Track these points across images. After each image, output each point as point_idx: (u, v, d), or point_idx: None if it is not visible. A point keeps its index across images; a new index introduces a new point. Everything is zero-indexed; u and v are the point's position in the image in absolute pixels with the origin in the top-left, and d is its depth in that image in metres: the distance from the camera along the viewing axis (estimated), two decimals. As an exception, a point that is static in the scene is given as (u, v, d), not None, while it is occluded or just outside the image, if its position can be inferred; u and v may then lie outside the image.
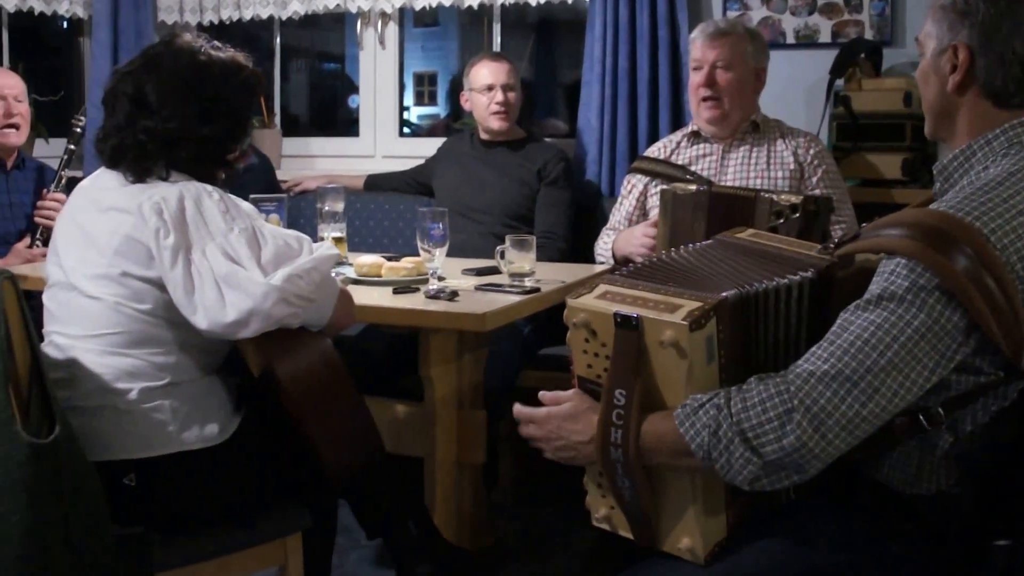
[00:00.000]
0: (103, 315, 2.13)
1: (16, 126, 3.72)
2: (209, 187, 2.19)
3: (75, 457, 1.90)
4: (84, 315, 2.16)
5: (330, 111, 6.00)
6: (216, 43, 2.34)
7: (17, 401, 1.86)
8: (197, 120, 2.23)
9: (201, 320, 2.09)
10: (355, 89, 5.01)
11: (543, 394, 1.85)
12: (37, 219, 3.63)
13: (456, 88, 5.32)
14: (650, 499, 1.71)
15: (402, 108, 5.01)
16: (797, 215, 2.70)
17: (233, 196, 2.22)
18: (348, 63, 5.50)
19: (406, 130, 5.15)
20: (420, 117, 6.01)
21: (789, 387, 1.55)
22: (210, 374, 2.26)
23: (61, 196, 3.61)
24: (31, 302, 2.05)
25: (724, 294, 1.67)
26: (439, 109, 5.95)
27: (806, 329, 1.75)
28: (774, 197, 2.75)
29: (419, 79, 5.87)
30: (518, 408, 1.87)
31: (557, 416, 1.79)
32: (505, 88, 3.94)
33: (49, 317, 2.25)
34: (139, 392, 2.11)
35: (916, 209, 1.67)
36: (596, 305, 1.70)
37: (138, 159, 2.19)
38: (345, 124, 5.50)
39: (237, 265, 2.09)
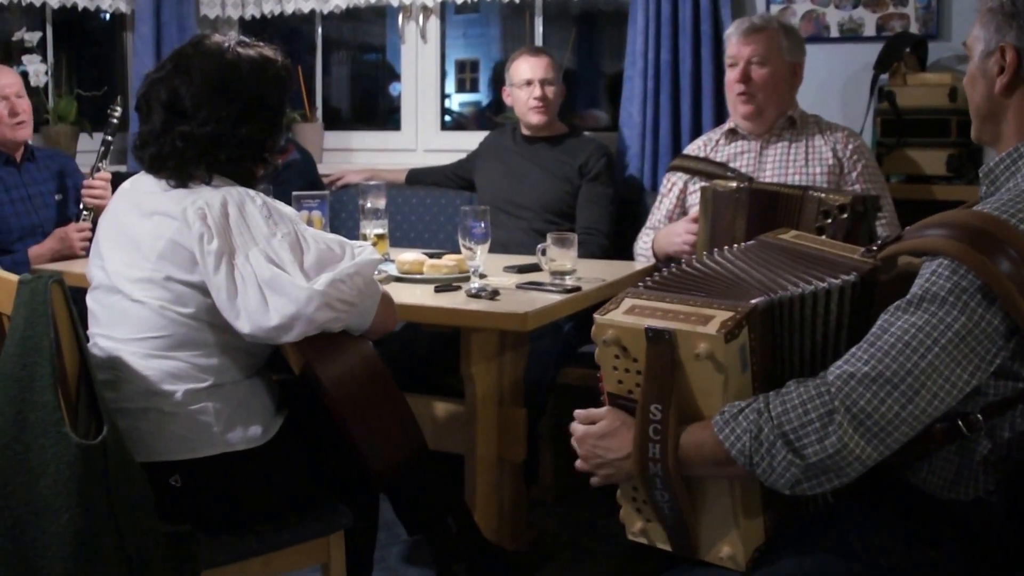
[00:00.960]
0: (147, 319, 2.15)
1: (22, 122, 3.73)
2: (252, 192, 2.20)
3: (122, 457, 1.93)
4: (128, 318, 2.18)
5: (372, 103, 6.01)
6: (244, 39, 2.34)
7: (66, 403, 1.90)
8: (233, 121, 2.23)
9: (244, 324, 2.10)
10: (396, 80, 5.02)
11: (577, 413, 1.85)
12: (86, 200, 3.65)
13: (497, 75, 5.32)
14: (690, 510, 1.71)
15: (443, 96, 5.01)
16: (845, 215, 2.67)
17: (275, 200, 2.23)
18: (389, 54, 5.51)
19: (447, 118, 5.15)
20: (461, 104, 6.02)
21: (830, 388, 1.55)
22: (252, 376, 2.28)
23: (107, 175, 3.65)
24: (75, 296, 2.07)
25: (753, 301, 1.66)
26: (481, 96, 5.95)
27: (846, 332, 1.74)
28: (822, 196, 2.73)
29: (460, 66, 5.87)
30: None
31: (592, 435, 1.79)
32: (544, 83, 3.93)
33: (93, 319, 2.27)
34: (183, 394, 2.14)
35: (960, 210, 1.66)
36: (625, 321, 1.69)
37: (179, 165, 2.20)
38: (387, 114, 5.51)
39: (280, 270, 2.10)
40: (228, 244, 2.11)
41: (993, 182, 1.70)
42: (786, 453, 1.56)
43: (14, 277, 2.00)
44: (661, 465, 1.66)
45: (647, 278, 1.86)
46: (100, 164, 3.71)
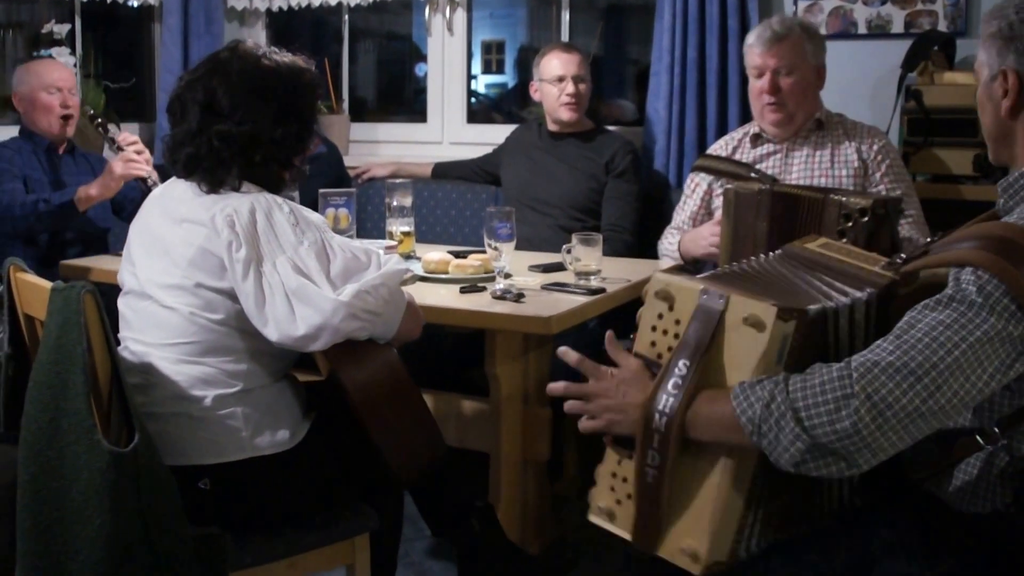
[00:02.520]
0: (178, 325, 2.18)
1: (70, 116, 3.94)
2: (279, 199, 2.23)
3: (153, 463, 1.97)
4: (159, 324, 2.21)
5: (399, 94, 6.02)
6: (275, 48, 2.37)
7: (98, 410, 1.93)
8: (270, 122, 2.26)
9: (272, 332, 2.13)
10: (424, 71, 5.02)
11: (609, 337, 1.85)
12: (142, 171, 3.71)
13: (523, 58, 5.33)
14: (669, 485, 1.69)
15: (470, 89, 5.02)
16: (866, 219, 2.67)
17: (303, 207, 2.26)
18: (416, 44, 5.51)
19: (473, 100, 5.16)
20: (488, 86, 6.01)
21: (852, 374, 1.56)
22: (280, 380, 2.30)
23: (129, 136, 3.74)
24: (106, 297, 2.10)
25: (809, 308, 1.67)
26: (507, 78, 5.95)
27: (862, 343, 1.75)
28: (843, 199, 2.72)
29: (487, 47, 5.86)
30: (576, 356, 1.86)
31: (617, 376, 1.79)
32: (576, 80, 3.94)
33: (124, 323, 2.30)
34: (213, 399, 2.16)
35: (986, 223, 1.69)
36: (683, 281, 1.72)
37: (213, 167, 2.23)
38: (414, 95, 5.52)
39: (307, 279, 2.13)
40: (256, 252, 2.14)
41: (1012, 196, 1.71)
42: (794, 426, 1.56)
43: (47, 284, 2.04)
44: (667, 421, 1.66)
45: (713, 272, 1.88)
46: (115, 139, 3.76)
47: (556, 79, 3.96)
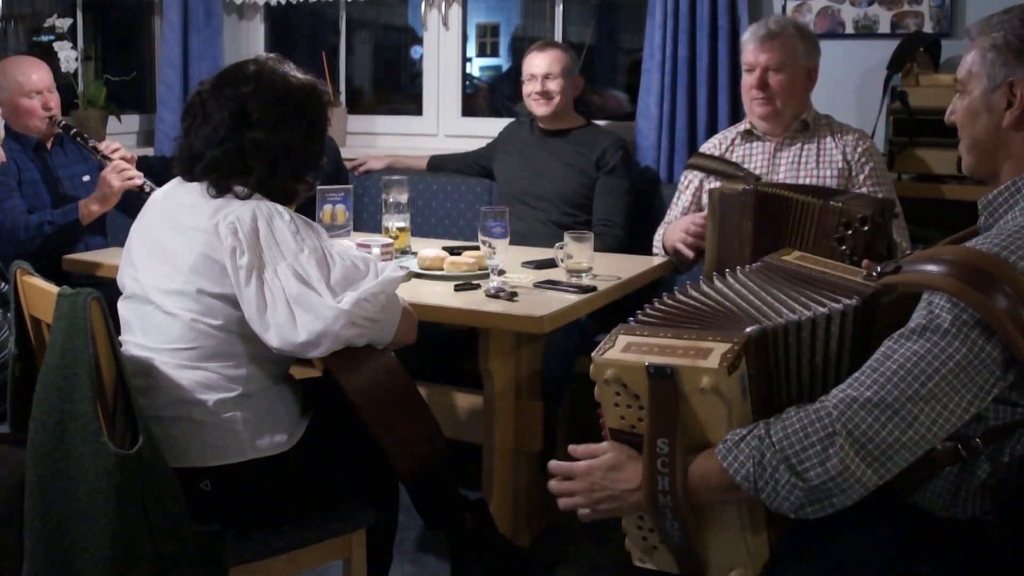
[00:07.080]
0: (179, 330, 2.23)
1: (54, 115, 3.96)
2: (280, 207, 2.27)
3: (157, 464, 2.03)
4: (160, 329, 2.26)
5: (395, 86, 6.05)
6: (292, 64, 2.41)
7: (103, 413, 1.99)
8: (300, 136, 2.33)
9: (273, 338, 2.18)
10: (420, 53, 5.07)
11: (573, 448, 1.86)
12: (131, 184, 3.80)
13: (517, 41, 5.36)
14: (700, 537, 1.76)
15: (465, 60, 5.05)
16: (867, 227, 2.70)
17: (303, 216, 2.31)
18: (412, 37, 5.54)
19: (467, 83, 5.20)
20: (482, 69, 6.02)
21: (831, 412, 1.60)
22: (278, 383, 2.36)
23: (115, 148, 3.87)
24: (106, 291, 2.15)
25: (748, 330, 1.70)
26: (501, 61, 5.95)
27: (848, 353, 1.78)
28: (843, 207, 2.73)
29: (482, 30, 5.86)
30: (554, 463, 1.89)
31: (599, 468, 1.80)
32: (545, 77, 4.00)
33: (125, 327, 2.35)
34: (214, 404, 2.21)
35: (957, 246, 1.70)
36: (624, 359, 1.72)
37: (234, 172, 2.27)
38: (410, 84, 5.55)
39: (308, 286, 2.18)
40: (258, 259, 2.18)
41: (992, 214, 1.75)
42: (789, 477, 1.60)
43: (54, 288, 2.09)
44: (671, 497, 1.70)
45: (639, 312, 1.89)
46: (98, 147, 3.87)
47: (530, 77, 4.03)
